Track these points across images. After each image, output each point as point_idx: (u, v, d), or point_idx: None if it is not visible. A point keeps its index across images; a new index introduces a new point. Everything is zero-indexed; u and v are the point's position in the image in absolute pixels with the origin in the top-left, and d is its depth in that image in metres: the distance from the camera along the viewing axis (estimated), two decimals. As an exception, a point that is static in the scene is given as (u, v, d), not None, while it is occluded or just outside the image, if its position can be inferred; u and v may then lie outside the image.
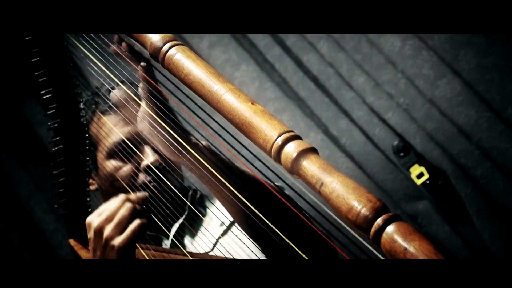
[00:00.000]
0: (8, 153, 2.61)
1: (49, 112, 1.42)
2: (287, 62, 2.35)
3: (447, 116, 2.10)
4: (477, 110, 2.07)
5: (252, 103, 0.94)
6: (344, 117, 2.26)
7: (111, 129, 1.50)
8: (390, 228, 0.77)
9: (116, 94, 1.29)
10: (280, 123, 0.91)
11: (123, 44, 1.21)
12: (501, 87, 2.06)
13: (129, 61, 1.21)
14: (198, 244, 1.44)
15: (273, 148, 0.88)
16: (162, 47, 1.06)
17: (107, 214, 1.24)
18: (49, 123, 1.43)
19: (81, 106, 1.45)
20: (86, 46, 1.29)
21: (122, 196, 1.26)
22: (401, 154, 2.14)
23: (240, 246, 1.24)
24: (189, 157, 1.16)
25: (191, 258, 1.33)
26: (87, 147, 1.49)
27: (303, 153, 0.86)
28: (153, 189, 1.44)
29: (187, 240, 1.49)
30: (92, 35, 1.28)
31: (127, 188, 1.43)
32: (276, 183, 1.21)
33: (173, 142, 1.18)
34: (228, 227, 1.45)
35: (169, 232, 1.48)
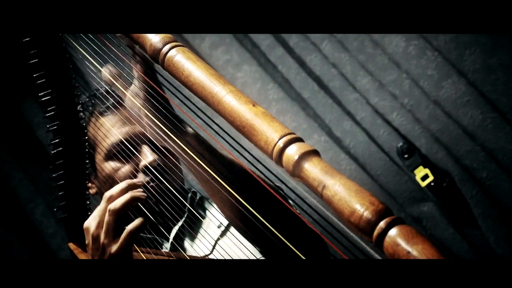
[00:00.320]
0: (7, 156, 2.62)
1: (48, 114, 1.42)
2: (290, 63, 2.35)
3: (452, 117, 2.10)
4: (482, 111, 2.07)
5: (253, 105, 0.94)
6: (348, 119, 2.26)
7: (109, 131, 1.51)
8: (393, 231, 0.77)
9: (106, 72, 1.29)
10: (281, 125, 0.91)
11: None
12: (507, 88, 2.06)
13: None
14: (198, 247, 1.44)
15: (274, 151, 0.89)
16: (162, 48, 1.06)
17: (98, 219, 1.25)
18: (48, 125, 1.43)
19: (79, 108, 1.45)
20: (85, 47, 1.29)
21: (106, 196, 1.26)
22: (406, 155, 2.14)
23: (238, 247, 1.25)
24: (176, 142, 1.16)
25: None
26: (86, 149, 1.49)
27: (304, 155, 0.86)
28: (151, 190, 1.45)
29: (187, 242, 1.49)
30: (91, 36, 1.29)
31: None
32: (275, 184, 1.21)
33: (161, 125, 1.19)
34: (227, 228, 1.46)
35: (169, 235, 1.48)
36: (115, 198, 1.24)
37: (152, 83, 1.21)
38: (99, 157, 1.54)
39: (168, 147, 1.23)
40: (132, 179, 1.48)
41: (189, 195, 1.57)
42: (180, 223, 1.49)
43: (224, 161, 1.19)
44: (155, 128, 1.22)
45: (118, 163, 1.52)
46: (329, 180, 0.83)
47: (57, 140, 1.44)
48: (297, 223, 0.98)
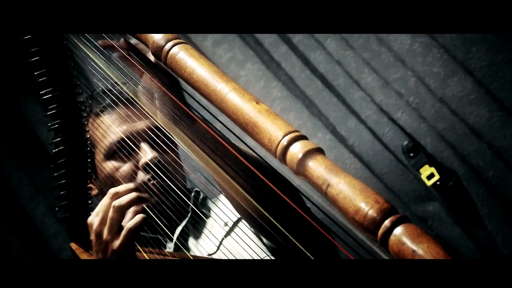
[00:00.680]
0: (8, 155, 2.62)
1: (49, 113, 1.42)
2: (293, 61, 2.35)
3: (458, 116, 2.10)
4: (489, 109, 2.06)
5: (257, 103, 0.95)
6: (352, 117, 2.26)
7: (108, 129, 1.51)
8: (398, 230, 0.77)
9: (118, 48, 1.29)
10: (285, 123, 0.91)
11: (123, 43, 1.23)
12: (514, 86, 2.06)
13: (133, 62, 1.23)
14: (202, 247, 1.45)
15: (278, 149, 0.89)
16: (164, 46, 1.06)
17: (101, 215, 1.26)
18: (49, 124, 1.43)
19: (80, 106, 1.46)
20: (87, 45, 1.30)
21: (110, 192, 1.27)
22: (411, 154, 2.14)
23: (243, 247, 1.25)
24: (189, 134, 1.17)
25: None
26: (88, 148, 1.49)
27: (309, 153, 0.87)
28: (153, 188, 1.45)
29: (191, 242, 1.49)
30: (93, 34, 1.29)
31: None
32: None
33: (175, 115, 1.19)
34: (232, 228, 1.46)
35: (173, 234, 1.49)
36: (121, 195, 1.25)
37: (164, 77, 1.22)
38: (99, 157, 1.55)
39: (171, 141, 1.24)
40: (133, 178, 1.49)
41: (192, 194, 1.57)
42: (184, 223, 1.50)
43: (238, 153, 1.19)
44: (163, 120, 1.23)
45: (118, 162, 1.52)
46: (334, 179, 0.84)
47: (59, 139, 1.45)
48: (307, 222, 0.98)
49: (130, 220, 1.23)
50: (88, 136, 1.49)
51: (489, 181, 2.06)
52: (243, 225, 1.42)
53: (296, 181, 0.94)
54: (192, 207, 1.52)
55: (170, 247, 1.50)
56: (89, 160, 1.50)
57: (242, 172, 1.13)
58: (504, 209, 2.05)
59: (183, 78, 1.03)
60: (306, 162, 0.86)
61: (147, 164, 1.47)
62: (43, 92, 1.40)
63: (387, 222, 0.78)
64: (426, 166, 2.11)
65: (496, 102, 2.06)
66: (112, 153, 1.53)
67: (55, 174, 1.47)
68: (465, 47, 2.11)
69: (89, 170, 1.51)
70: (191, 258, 1.34)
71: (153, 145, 1.49)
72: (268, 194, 1.01)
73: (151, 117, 1.28)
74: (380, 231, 0.78)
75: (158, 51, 1.07)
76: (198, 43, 2.45)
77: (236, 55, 2.41)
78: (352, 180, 0.83)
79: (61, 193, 1.49)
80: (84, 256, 1.49)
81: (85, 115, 1.49)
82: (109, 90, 1.51)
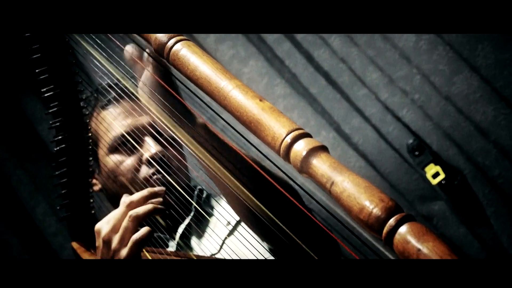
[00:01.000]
0: (8, 154, 2.63)
1: (50, 111, 1.43)
2: (297, 58, 2.36)
3: (464, 114, 2.10)
4: (495, 107, 2.06)
5: (260, 100, 0.95)
6: (357, 115, 2.26)
7: (111, 124, 1.52)
8: (403, 229, 0.78)
9: (128, 51, 1.29)
10: (289, 121, 0.92)
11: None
12: (521, 83, 2.06)
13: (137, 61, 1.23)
14: (205, 246, 1.45)
15: (282, 147, 0.89)
16: (167, 42, 1.07)
17: (113, 223, 1.24)
18: (50, 122, 1.44)
19: (82, 103, 1.46)
20: (88, 42, 1.30)
21: (125, 201, 1.25)
22: (416, 153, 2.14)
23: (246, 246, 1.25)
24: (186, 135, 1.17)
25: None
26: (90, 146, 1.50)
27: (313, 151, 0.87)
28: (157, 181, 1.45)
29: (193, 241, 1.49)
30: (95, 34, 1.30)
31: (130, 184, 1.44)
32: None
33: (171, 116, 1.19)
34: (235, 227, 1.46)
35: (175, 232, 1.49)
36: (136, 205, 1.24)
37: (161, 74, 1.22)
38: (102, 152, 1.55)
39: (174, 139, 1.24)
40: (136, 172, 1.49)
41: (196, 192, 1.57)
42: (186, 221, 1.50)
43: (235, 155, 1.19)
44: (165, 119, 1.23)
45: (121, 157, 1.53)
46: (338, 177, 0.84)
47: (60, 137, 1.45)
48: (309, 221, 0.98)
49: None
50: (90, 129, 1.49)
51: (495, 180, 2.06)
52: (245, 223, 1.42)
53: (300, 179, 0.94)
54: (195, 206, 1.52)
55: (172, 245, 1.50)
56: (90, 158, 1.50)
57: (244, 170, 1.14)
58: (510, 209, 2.05)
59: (186, 75, 1.03)
60: (310, 160, 0.87)
61: (152, 158, 1.48)
62: (45, 89, 1.41)
63: (392, 221, 0.78)
64: (431, 165, 2.11)
65: (503, 100, 2.06)
66: (116, 147, 1.53)
67: (56, 173, 1.48)
68: (471, 44, 2.11)
69: (90, 169, 1.51)
70: (194, 258, 1.34)
71: (157, 140, 1.49)
72: (270, 193, 1.01)
73: (154, 114, 1.28)
74: (385, 229, 0.78)
75: (160, 48, 1.07)
76: (201, 40, 2.45)
77: (239, 52, 2.41)
78: (357, 178, 0.83)
79: (62, 192, 1.50)
80: (85, 255, 1.49)
81: (88, 110, 1.49)
82: (113, 85, 1.52)
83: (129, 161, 1.52)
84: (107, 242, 1.24)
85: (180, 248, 1.48)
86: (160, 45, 1.07)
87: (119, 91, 1.51)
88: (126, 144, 1.51)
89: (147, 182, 1.48)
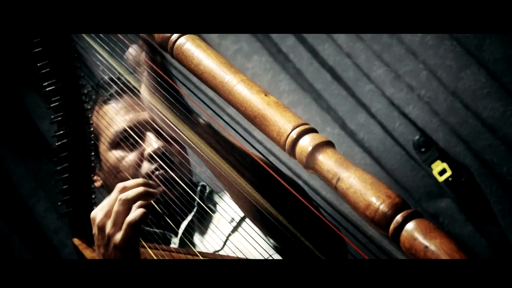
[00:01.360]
0: (8, 149, 2.63)
1: (52, 105, 1.42)
2: (302, 53, 2.35)
3: (471, 110, 2.09)
4: (503, 103, 2.06)
5: (265, 95, 0.95)
6: (362, 111, 2.26)
7: (113, 118, 1.52)
8: (410, 225, 0.77)
9: (131, 53, 1.30)
10: (294, 116, 0.91)
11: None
12: (529, 79, 2.05)
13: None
14: (208, 242, 1.45)
15: (287, 142, 0.89)
16: (171, 36, 1.07)
17: (106, 208, 1.25)
18: (52, 116, 1.44)
19: (84, 98, 1.46)
20: (91, 36, 1.30)
21: (118, 186, 1.26)
22: (422, 149, 2.14)
23: (251, 243, 1.25)
24: (188, 134, 1.17)
25: (201, 258, 1.33)
26: (92, 141, 1.50)
27: (318, 146, 0.87)
28: (157, 179, 1.45)
29: (196, 238, 1.49)
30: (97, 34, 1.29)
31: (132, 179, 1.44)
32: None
33: (174, 116, 1.20)
34: (238, 224, 1.46)
35: (178, 229, 1.49)
36: (128, 189, 1.25)
37: (161, 72, 1.22)
38: (103, 147, 1.55)
39: (176, 136, 1.24)
40: (138, 168, 1.49)
41: (199, 188, 1.57)
42: (189, 217, 1.50)
43: (239, 152, 1.19)
44: (167, 119, 1.23)
45: (122, 152, 1.53)
46: (344, 172, 0.84)
47: (62, 132, 1.45)
48: (315, 219, 0.98)
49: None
50: (92, 123, 1.49)
51: (502, 177, 2.06)
52: (250, 221, 1.42)
53: (305, 175, 0.94)
54: (198, 201, 1.52)
55: (175, 242, 1.50)
56: (92, 153, 1.50)
57: (249, 165, 1.14)
58: (518, 206, 2.05)
59: (190, 70, 1.03)
60: (316, 156, 0.86)
61: (154, 152, 1.48)
62: (46, 84, 1.40)
63: (398, 217, 0.78)
64: (438, 162, 2.11)
65: (510, 96, 2.06)
66: (117, 143, 1.53)
67: (57, 168, 1.48)
68: (478, 39, 2.10)
69: (92, 164, 1.51)
70: (198, 254, 1.34)
71: (159, 135, 1.50)
72: (275, 189, 1.01)
73: (156, 110, 1.28)
74: (392, 226, 0.78)
75: (164, 42, 1.07)
76: (204, 34, 2.45)
77: (243, 47, 2.41)
78: (363, 174, 0.83)
79: (64, 187, 1.49)
80: (87, 251, 1.49)
81: (89, 105, 1.49)
82: (115, 80, 1.51)
83: (130, 157, 1.52)
84: (101, 228, 1.25)
85: (182, 244, 1.48)
86: (164, 39, 1.07)
87: (121, 86, 1.51)
88: (128, 139, 1.51)
89: (149, 178, 1.48)
